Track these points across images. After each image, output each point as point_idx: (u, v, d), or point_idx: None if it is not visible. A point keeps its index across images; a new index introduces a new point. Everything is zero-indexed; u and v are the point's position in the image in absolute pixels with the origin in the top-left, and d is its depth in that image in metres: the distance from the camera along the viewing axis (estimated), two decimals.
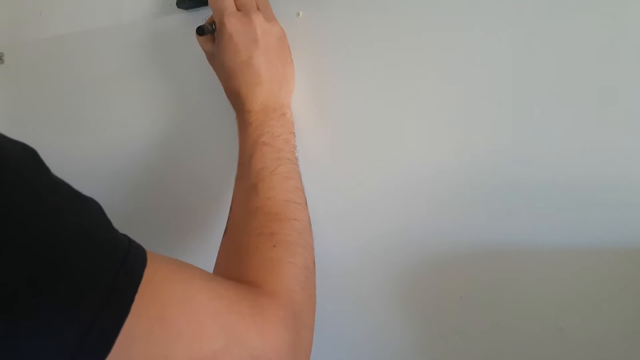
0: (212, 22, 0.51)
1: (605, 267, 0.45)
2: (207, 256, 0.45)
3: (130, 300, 0.28)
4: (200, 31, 0.50)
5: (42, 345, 0.25)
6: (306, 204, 0.48)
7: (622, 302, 0.45)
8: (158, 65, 0.62)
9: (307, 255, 0.44)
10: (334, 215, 0.54)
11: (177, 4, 0.58)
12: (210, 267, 0.43)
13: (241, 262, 0.41)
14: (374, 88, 0.51)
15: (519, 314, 0.48)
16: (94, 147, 0.68)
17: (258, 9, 0.50)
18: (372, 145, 0.52)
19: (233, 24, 0.48)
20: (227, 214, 0.48)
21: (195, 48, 0.59)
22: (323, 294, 0.46)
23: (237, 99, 0.50)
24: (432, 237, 0.51)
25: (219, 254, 0.45)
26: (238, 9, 0.49)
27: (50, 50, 0.69)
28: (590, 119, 0.44)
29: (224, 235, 0.46)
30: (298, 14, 0.54)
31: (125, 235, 0.31)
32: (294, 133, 0.52)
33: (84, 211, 0.29)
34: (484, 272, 0.49)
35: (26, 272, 0.24)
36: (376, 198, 0.52)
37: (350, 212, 0.53)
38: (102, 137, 0.67)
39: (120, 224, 0.32)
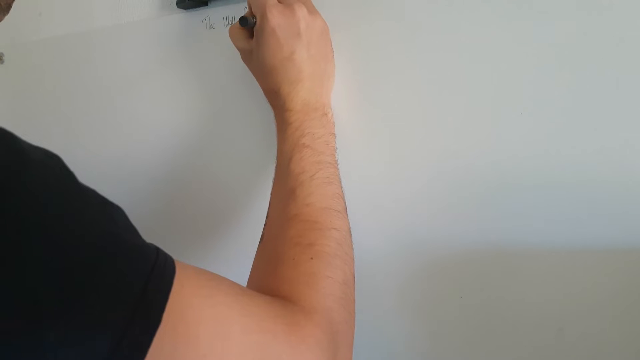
0: (251, 16, 0.48)
1: (605, 267, 0.45)
2: (240, 265, 0.44)
3: (160, 312, 0.26)
4: (244, 22, 0.47)
5: (70, 357, 0.24)
6: (346, 211, 0.45)
7: (622, 302, 0.45)
8: (158, 65, 0.62)
9: (347, 269, 0.41)
10: None
11: (177, 4, 0.58)
12: (243, 276, 0.42)
13: (276, 274, 0.39)
14: (379, 91, 0.51)
15: (519, 314, 0.48)
16: (94, 148, 0.68)
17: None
18: (374, 149, 0.52)
19: (276, 17, 0.45)
20: (261, 220, 0.46)
21: (196, 48, 0.59)
22: None
23: (276, 97, 0.48)
24: (432, 237, 0.51)
25: (254, 262, 0.43)
26: (279, 1, 0.47)
27: (50, 50, 0.69)
28: (592, 119, 0.44)
29: (260, 243, 0.44)
30: None
31: (152, 244, 0.30)
32: (334, 134, 0.49)
33: (111, 218, 0.28)
34: (484, 272, 0.49)
35: (54, 281, 0.24)
36: (377, 198, 0.52)
37: (352, 214, 0.53)
38: (102, 138, 0.67)
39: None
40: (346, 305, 0.39)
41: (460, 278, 0.50)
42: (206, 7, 0.57)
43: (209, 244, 0.63)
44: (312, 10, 0.48)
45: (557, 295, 0.47)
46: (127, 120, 0.65)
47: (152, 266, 0.28)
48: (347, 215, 0.45)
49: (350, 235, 0.44)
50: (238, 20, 0.47)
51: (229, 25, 0.56)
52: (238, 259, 0.45)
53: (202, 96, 0.60)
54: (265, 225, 0.45)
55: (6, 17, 0.38)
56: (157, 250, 0.29)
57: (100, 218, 0.28)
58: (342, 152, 0.51)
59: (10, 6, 0.37)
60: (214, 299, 0.30)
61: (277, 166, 0.47)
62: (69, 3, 0.67)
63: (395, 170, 0.51)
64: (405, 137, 0.51)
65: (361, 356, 0.55)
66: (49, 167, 0.27)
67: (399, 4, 0.49)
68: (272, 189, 0.47)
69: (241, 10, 0.55)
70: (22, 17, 0.70)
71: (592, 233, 0.45)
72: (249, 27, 0.47)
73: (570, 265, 0.46)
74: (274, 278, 0.39)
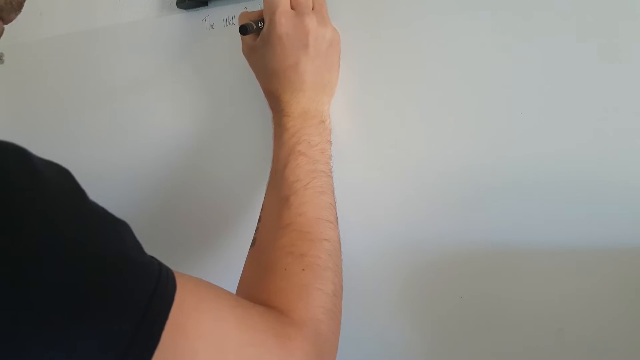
0: (258, 19, 0.47)
1: (605, 267, 0.45)
2: (232, 265, 0.45)
3: (161, 329, 0.28)
4: (244, 30, 0.45)
5: None
6: (337, 221, 0.46)
7: (622, 302, 0.45)
8: (158, 65, 0.62)
9: (336, 281, 0.42)
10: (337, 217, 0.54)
11: (177, 4, 0.58)
12: (235, 278, 0.43)
13: (268, 284, 0.40)
14: (380, 91, 0.51)
15: (519, 314, 0.48)
16: (94, 147, 0.68)
17: (313, 8, 0.47)
18: (373, 148, 0.52)
19: (284, 26, 0.45)
20: (255, 223, 0.47)
21: (195, 48, 0.59)
22: None
23: (276, 102, 0.48)
24: (432, 238, 0.51)
25: (245, 267, 0.44)
26: (292, 7, 0.46)
27: (51, 50, 0.69)
28: (592, 120, 0.44)
29: (251, 247, 0.45)
30: None
31: (153, 258, 0.31)
32: (330, 141, 0.49)
33: (119, 237, 0.30)
34: (484, 272, 0.49)
35: (65, 299, 0.25)
36: (378, 199, 0.52)
37: (352, 213, 0.53)
38: (102, 137, 0.68)
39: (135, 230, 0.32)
40: (334, 317, 0.40)
41: (460, 278, 0.50)
42: (206, 7, 0.57)
43: (208, 244, 0.63)
44: (322, 21, 0.47)
45: (557, 295, 0.47)
46: (127, 119, 0.65)
47: (155, 284, 0.29)
48: (337, 225, 0.46)
49: (340, 246, 0.45)
50: (238, 28, 0.46)
51: (229, 25, 0.56)
52: (237, 261, 0.45)
53: (202, 95, 0.60)
54: (257, 230, 0.46)
55: None
56: (160, 265, 0.31)
57: (109, 237, 0.29)
58: (342, 154, 0.51)
59: (22, 5, 0.37)
60: (213, 313, 0.32)
61: (272, 171, 0.48)
62: (70, 3, 0.67)
63: (395, 171, 0.51)
64: (404, 139, 0.51)
65: (361, 356, 0.55)
66: (61, 185, 0.28)
67: (403, 13, 0.49)
68: (266, 193, 0.47)
69: (241, 10, 0.55)
70: (23, 17, 0.69)
71: (592, 233, 0.45)
72: (250, 34, 0.47)
73: (570, 265, 0.46)
74: (265, 287, 0.40)
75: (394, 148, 0.51)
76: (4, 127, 0.73)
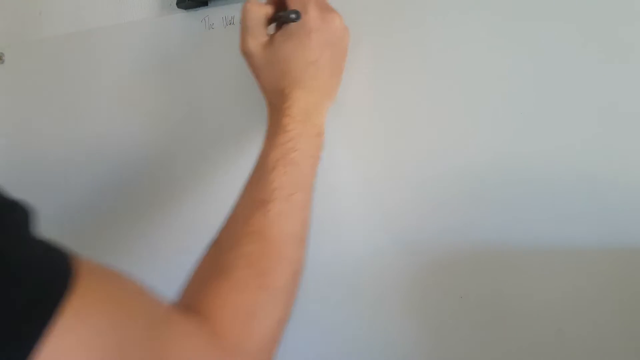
0: (292, 11, 0.44)
1: (605, 267, 0.45)
2: None
3: (42, 330, 0.25)
4: (297, 16, 0.43)
5: None
6: (307, 240, 0.43)
7: (622, 302, 0.45)
8: (158, 65, 0.62)
9: (289, 304, 0.40)
10: (337, 216, 0.54)
11: (177, 4, 0.58)
12: None
13: (218, 292, 0.37)
14: (381, 90, 0.51)
15: (519, 314, 0.48)
16: (94, 147, 0.68)
17: None
18: (374, 148, 0.52)
19: (317, 20, 0.43)
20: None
21: (195, 48, 0.59)
22: (326, 291, 0.45)
23: (281, 99, 0.45)
24: (431, 237, 0.51)
25: (199, 264, 0.41)
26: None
27: (50, 50, 0.69)
28: (592, 120, 0.44)
29: (212, 244, 0.42)
30: None
31: (52, 250, 0.28)
32: (321, 158, 0.46)
33: None
34: (484, 272, 0.49)
35: None
36: (377, 199, 0.52)
37: (352, 213, 0.53)
38: (102, 137, 0.68)
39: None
40: (272, 349, 0.38)
41: (460, 278, 0.50)
42: (206, 7, 0.57)
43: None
44: (342, 21, 0.46)
45: (557, 295, 0.47)
46: (127, 119, 0.65)
47: (41, 283, 0.26)
48: (306, 243, 0.43)
49: (303, 269, 0.42)
50: (277, 16, 0.44)
51: (229, 25, 0.56)
52: None
53: (201, 95, 0.60)
54: (225, 226, 0.43)
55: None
56: (54, 262, 0.28)
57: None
58: (342, 153, 0.51)
59: None
60: (119, 330, 0.28)
61: (257, 166, 0.44)
62: (69, 3, 0.67)
63: (395, 171, 0.51)
64: (404, 138, 0.51)
65: (361, 356, 0.55)
66: None
67: (403, 14, 0.49)
68: (245, 188, 0.44)
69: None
70: (22, 17, 0.70)
71: (592, 232, 0.45)
72: (289, 24, 0.44)
73: (570, 265, 0.46)
74: (215, 292, 0.37)
75: (394, 148, 0.51)
76: (3, 127, 0.73)
